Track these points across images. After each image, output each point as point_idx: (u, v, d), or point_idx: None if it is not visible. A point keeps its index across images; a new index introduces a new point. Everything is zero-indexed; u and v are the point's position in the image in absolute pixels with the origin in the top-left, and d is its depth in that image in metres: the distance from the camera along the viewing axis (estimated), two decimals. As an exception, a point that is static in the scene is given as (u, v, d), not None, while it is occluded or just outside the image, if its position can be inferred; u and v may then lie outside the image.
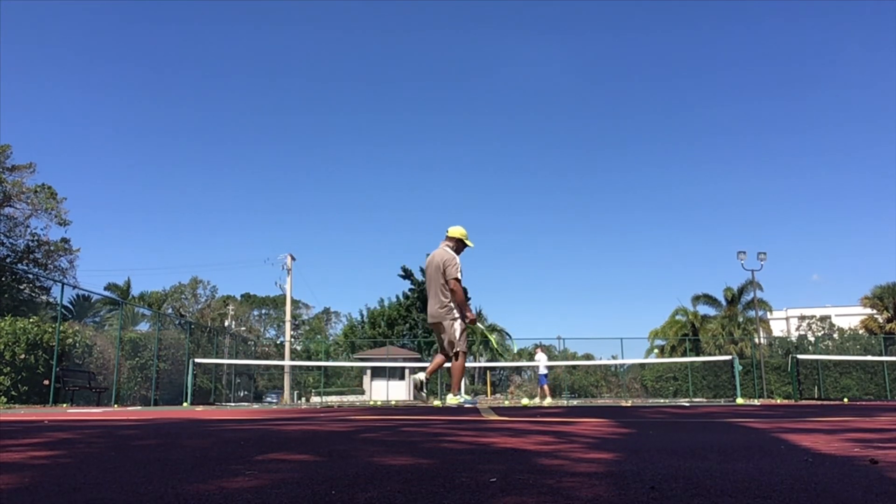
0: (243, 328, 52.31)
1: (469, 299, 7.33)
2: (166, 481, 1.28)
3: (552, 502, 1.07)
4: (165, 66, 71.85)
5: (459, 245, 6.98)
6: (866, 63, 71.24)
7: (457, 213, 76.15)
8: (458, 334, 6.73)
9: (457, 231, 7.01)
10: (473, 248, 7.15)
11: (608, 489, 1.18)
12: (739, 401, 12.75)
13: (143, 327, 31.88)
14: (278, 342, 45.43)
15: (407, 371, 31.52)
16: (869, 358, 28.04)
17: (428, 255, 7.09)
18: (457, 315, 6.79)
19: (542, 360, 19.73)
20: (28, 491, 1.20)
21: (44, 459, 1.69)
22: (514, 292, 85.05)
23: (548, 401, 17.90)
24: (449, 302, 6.76)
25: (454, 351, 6.68)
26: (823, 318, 45.87)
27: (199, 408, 13.04)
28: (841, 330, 40.91)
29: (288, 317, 36.00)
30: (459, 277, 6.78)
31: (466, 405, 6.48)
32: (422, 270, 6.81)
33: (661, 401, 23.86)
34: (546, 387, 19.36)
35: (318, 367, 32.74)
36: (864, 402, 12.75)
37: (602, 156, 74.43)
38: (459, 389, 6.76)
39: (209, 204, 76.07)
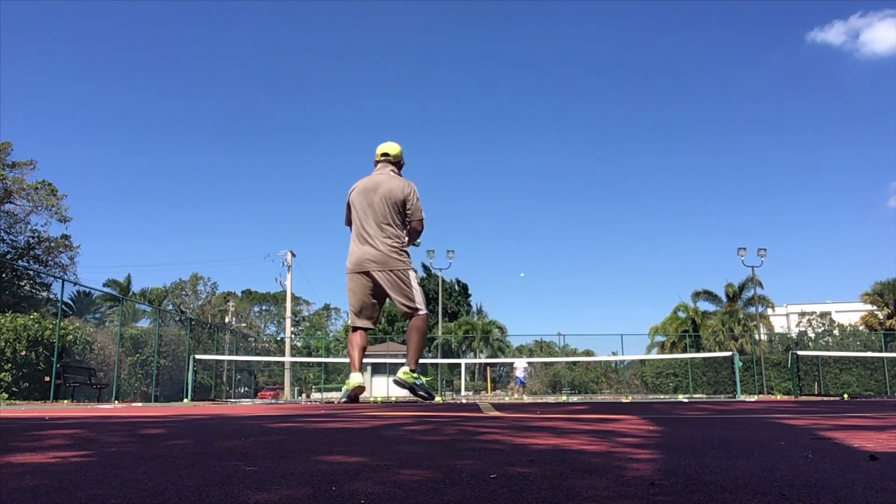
0: (244, 325, 52.37)
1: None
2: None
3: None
4: (166, 62, 71.84)
5: (399, 171, 5.20)
6: (865, 62, 71.17)
7: (459, 207, 76.17)
8: (417, 288, 4.98)
9: (397, 150, 5.16)
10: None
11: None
12: (741, 397, 12.78)
13: (144, 324, 32.00)
14: (279, 339, 45.46)
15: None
16: (869, 354, 28.07)
17: (356, 184, 5.11)
18: (411, 262, 5.04)
19: (520, 365, 25.61)
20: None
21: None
22: (514, 288, 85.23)
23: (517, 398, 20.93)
24: (403, 244, 4.96)
25: (417, 312, 4.92)
26: (824, 315, 45.85)
27: (205, 403, 13.09)
28: (841, 326, 40.89)
29: (288, 313, 36.02)
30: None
31: (421, 391, 4.86)
32: (348, 207, 5.13)
33: (662, 397, 23.87)
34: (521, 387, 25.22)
35: (319, 364, 32.78)
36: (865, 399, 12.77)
37: (603, 151, 74.46)
38: (418, 365, 4.97)
39: (210, 200, 76.16)
